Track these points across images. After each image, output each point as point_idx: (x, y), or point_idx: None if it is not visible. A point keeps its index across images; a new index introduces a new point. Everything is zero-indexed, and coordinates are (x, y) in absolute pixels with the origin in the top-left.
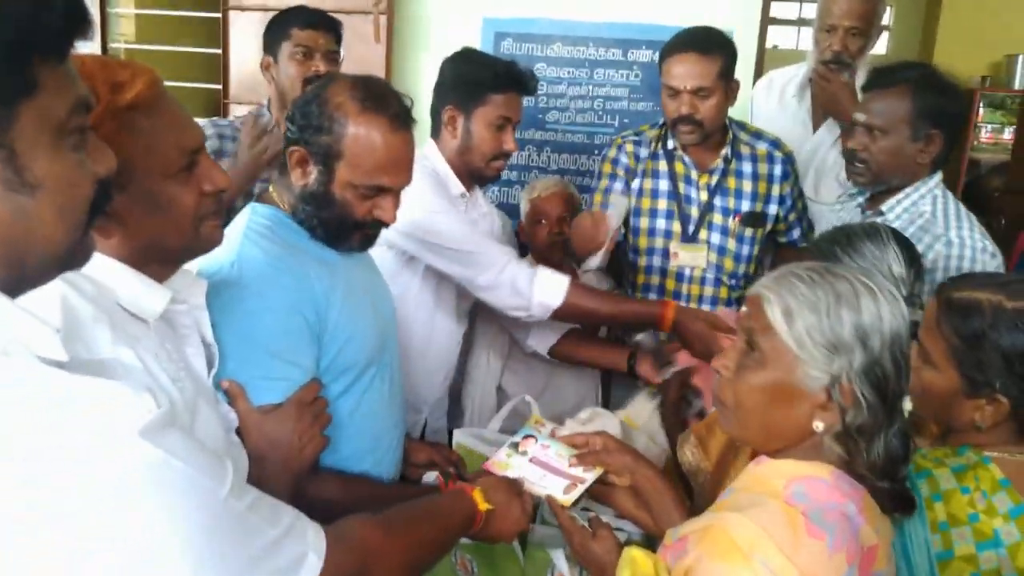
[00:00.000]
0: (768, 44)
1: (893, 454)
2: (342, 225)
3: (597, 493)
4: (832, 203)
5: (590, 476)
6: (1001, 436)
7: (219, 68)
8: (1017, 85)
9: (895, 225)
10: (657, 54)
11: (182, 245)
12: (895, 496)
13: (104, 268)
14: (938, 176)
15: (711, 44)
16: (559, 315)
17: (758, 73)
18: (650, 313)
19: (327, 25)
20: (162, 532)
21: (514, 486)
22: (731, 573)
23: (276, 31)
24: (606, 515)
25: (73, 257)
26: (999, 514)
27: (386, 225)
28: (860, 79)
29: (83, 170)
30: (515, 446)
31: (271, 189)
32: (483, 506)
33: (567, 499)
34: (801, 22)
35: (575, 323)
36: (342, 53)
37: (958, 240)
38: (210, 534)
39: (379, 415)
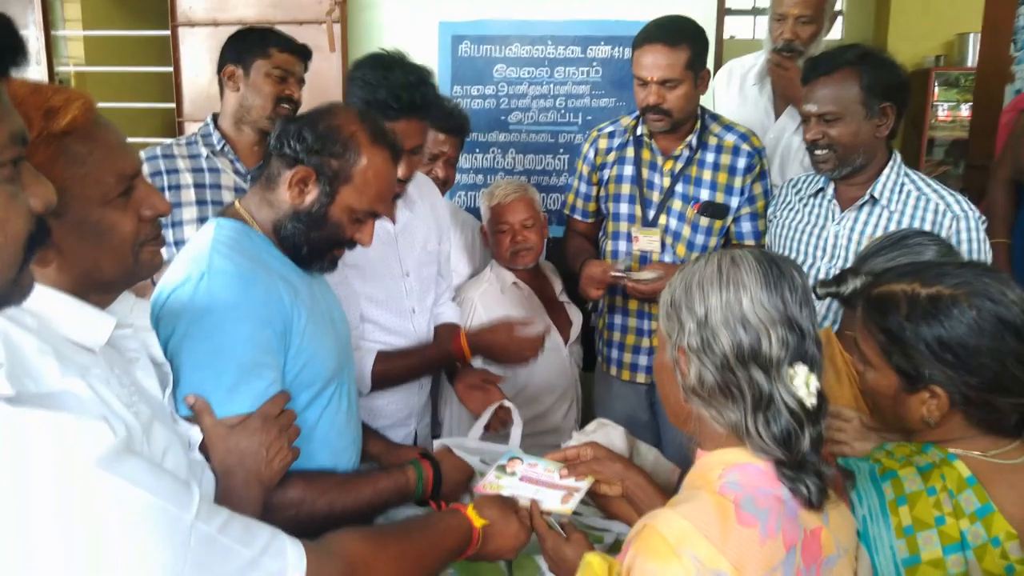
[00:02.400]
0: (725, 35)
1: (774, 432)
2: (327, 245)
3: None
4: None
5: (583, 485)
6: (957, 429)
7: (171, 86)
8: (970, 63)
9: (890, 209)
10: (616, 49)
11: (121, 272)
12: (795, 486)
13: (44, 299)
14: (897, 154)
15: (679, 35)
16: (377, 385)
17: (717, 63)
18: (447, 351)
19: (302, 52)
20: (128, 563)
21: (509, 502)
22: (662, 569)
23: (251, 45)
24: (592, 517)
25: (11, 294)
26: (966, 514)
27: (353, 247)
28: None
29: (17, 204)
30: (502, 468)
31: (237, 204)
32: (478, 522)
33: (567, 508)
34: (756, 11)
35: (392, 385)
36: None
37: (963, 213)
38: (179, 562)
39: (338, 432)
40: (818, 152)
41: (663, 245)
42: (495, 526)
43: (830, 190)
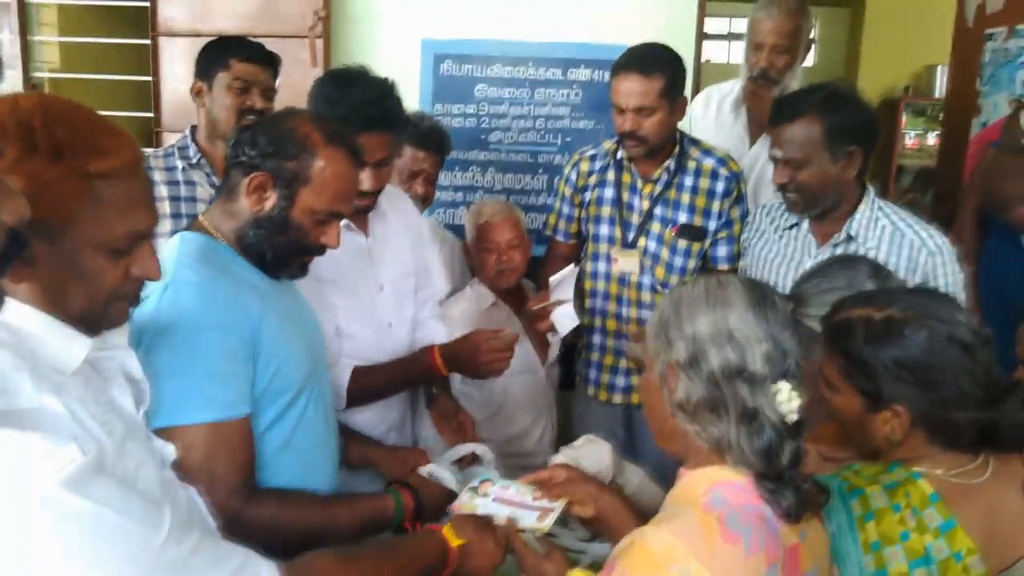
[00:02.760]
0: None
1: (757, 447)
2: (291, 250)
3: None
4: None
5: (557, 505)
6: (920, 447)
7: (150, 96)
8: (937, 93)
9: (871, 243)
10: (597, 72)
11: (83, 314)
12: (774, 501)
13: (22, 316)
14: (871, 189)
15: (653, 64)
16: (353, 401)
17: (695, 88)
18: (424, 366)
19: (267, 60)
20: None
21: (485, 521)
22: None
23: (213, 58)
24: (571, 539)
25: None
26: (929, 530)
27: (322, 252)
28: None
29: None
30: (475, 490)
31: (201, 218)
32: (455, 542)
33: (543, 526)
34: (731, 36)
35: (370, 401)
36: (278, 88)
37: (937, 248)
38: None
39: (313, 444)
40: (788, 195)
41: (642, 267)
42: (471, 545)
43: (805, 225)
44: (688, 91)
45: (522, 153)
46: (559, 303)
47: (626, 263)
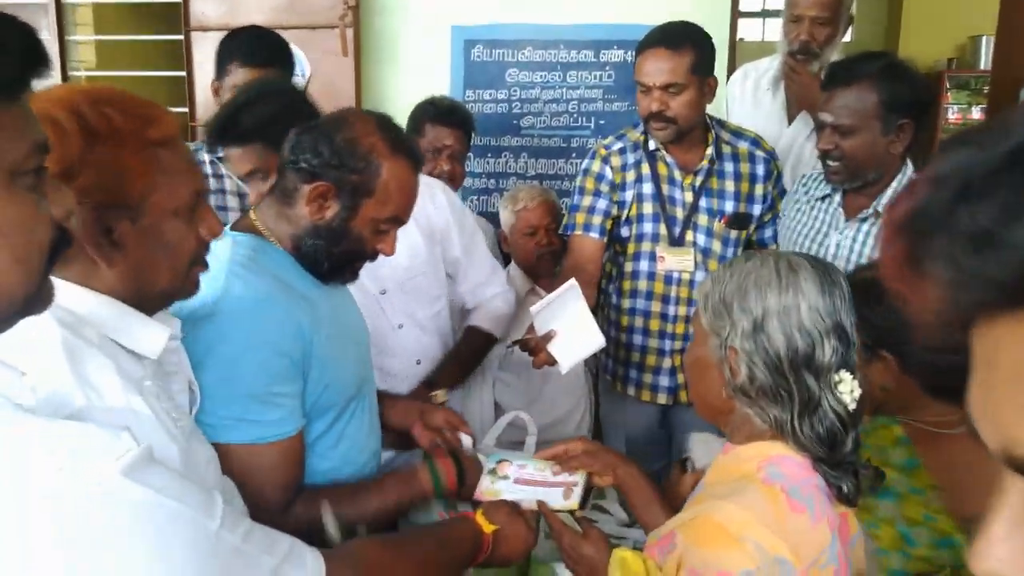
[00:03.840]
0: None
1: (816, 433)
2: (350, 259)
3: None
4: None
5: (579, 478)
6: (911, 396)
7: (184, 91)
8: (983, 65)
9: None
10: (629, 53)
11: (171, 287)
12: (830, 483)
13: (102, 306)
14: (911, 164)
15: (682, 39)
16: None
17: (730, 67)
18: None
19: (271, 58)
20: (156, 572)
21: (513, 506)
22: (724, 557)
23: (221, 59)
24: (611, 524)
25: (32, 304)
26: (893, 466)
27: (375, 258)
28: None
29: (40, 213)
30: (493, 472)
31: (252, 215)
32: (488, 528)
33: (571, 503)
34: (765, 13)
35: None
36: (307, 72)
37: None
38: (205, 570)
39: (359, 447)
40: (830, 163)
41: (695, 263)
42: (504, 531)
43: (837, 197)
44: (723, 70)
45: (555, 137)
46: (550, 337)
47: (675, 261)
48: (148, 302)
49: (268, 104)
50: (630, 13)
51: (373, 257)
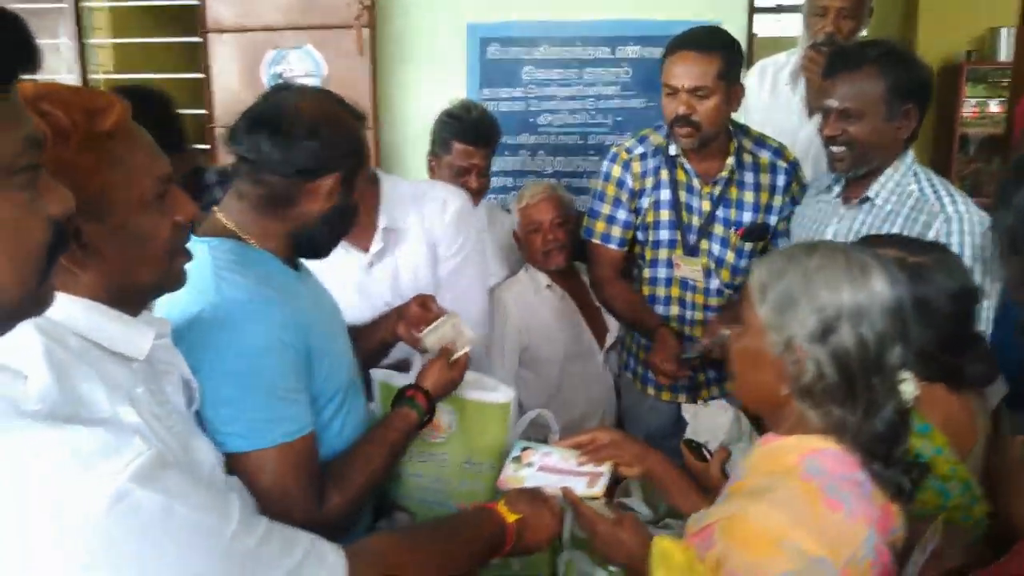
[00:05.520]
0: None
1: (877, 432)
2: (346, 229)
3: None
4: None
5: (605, 468)
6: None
7: (203, 93)
8: (1002, 57)
9: (886, 209)
10: (646, 49)
11: (154, 281)
12: (885, 480)
13: (82, 310)
14: (911, 152)
15: (711, 43)
16: None
17: (747, 61)
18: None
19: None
20: None
21: (536, 492)
22: (765, 564)
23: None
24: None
25: (30, 306)
26: (914, 433)
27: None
28: None
29: (35, 211)
30: (517, 460)
31: (218, 218)
32: (510, 517)
33: (596, 491)
34: (780, 8)
35: None
36: (323, 72)
37: (956, 215)
38: (225, 574)
39: (360, 428)
40: (835, 149)
41: (707, 272)
42: (527, 519)
43: (837, 188)
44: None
45: (572, 135)
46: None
47: (689, 270)
48: (133, 300)
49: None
50: (646, 9)
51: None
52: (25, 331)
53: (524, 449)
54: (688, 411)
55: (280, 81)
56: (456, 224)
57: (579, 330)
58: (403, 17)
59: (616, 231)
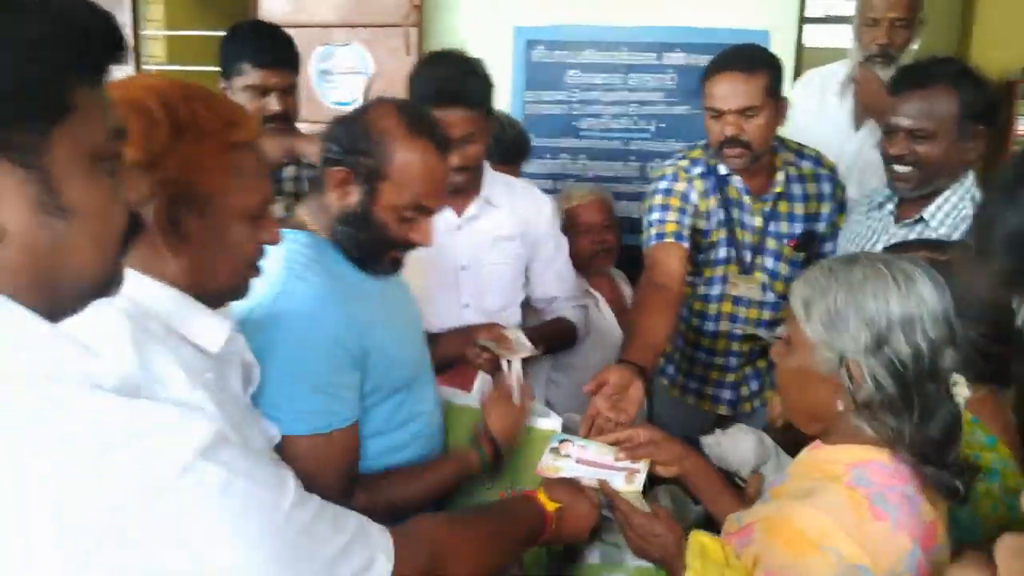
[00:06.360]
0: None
1: (931, 437)
2: (377, 247)
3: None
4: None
5: (642, 465)
6: None
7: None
8: None
9: (940, 232)
10: (692, 56)
11: (228, 286)
12: (939, 483)
13: (169, 298)
14: (972, 175)
15: (754, 61)
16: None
17: (796, 73)
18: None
19: (280, 61)
20: (232, 552)
21: (575, 484)
22: (802, 564)
23: (228, 58)
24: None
25: (105, 288)
26: (986, 447)
27: (413, 247)
28: None
29: (118, 198)
30: (555, 451)
31: (300, 212)
32: (550, 506)
33: (633, 488)
34: (828, 19)
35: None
36: (371, 71)
37: None
38: (280, 549)
39: (425, 421)
40: (900, 169)
41: (763, 288)
42: (567, 509)
43: (890, 205)
44: (789, 76)
45: (614, 140)
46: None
47: (746, 288)
48: (204, 298)
49: (476, 75)
50: (693, 16)
51: (409, 247)
52: (109, 312)
53: (562, 441)
54: (708, 442)
55: (327, 77)
56: (551, 223)
57: (613, 336)
58: (451, 18)
59: (684, 230)
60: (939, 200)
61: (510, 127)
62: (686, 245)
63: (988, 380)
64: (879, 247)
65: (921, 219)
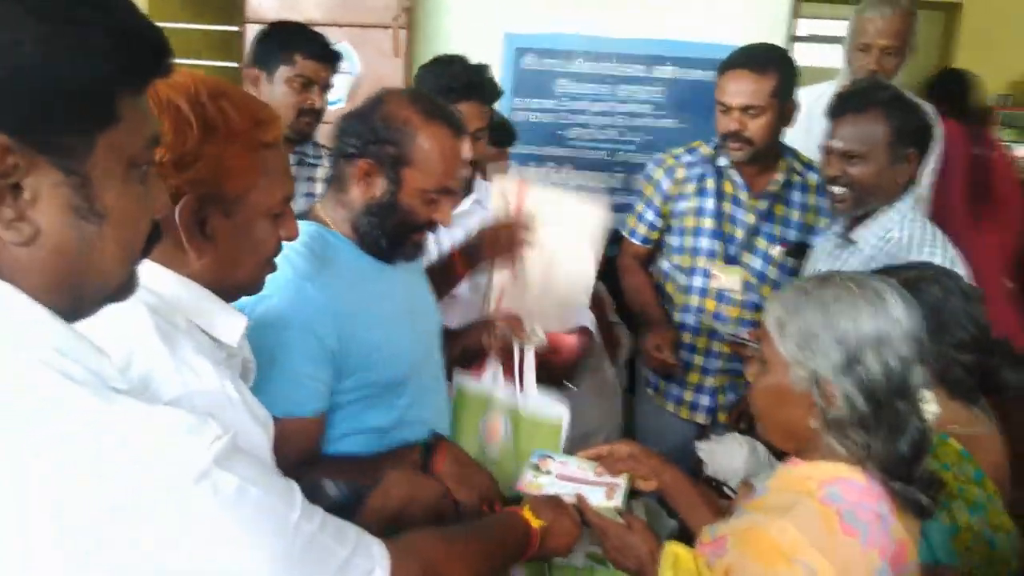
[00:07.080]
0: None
1: (900, 453)
2: (406, 232)
3: None
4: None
5: (622, 480)
6: (943, 405)
7: (239, 82)
8: None
9: (866, 253)
10: (681, 70)
11: (246, 281)
12: (907, 498)
13: (188, 290)
14: (910, 198)
15: (766, 62)
16: None
17: None
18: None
19: (331, 58)
20: (242, 561)
21: (558, 500)
22: (771, 574)
23: (276, 49)
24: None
25: (121, 292)
26: (973, 481)
27: (434, 229)
28: None
29: (146, 206)
30: (535, 467)
31: (318, 207)
32: (535, 523)
33: (613, 503)
34: (817, 38)
35: None
36: (356, 71)
37: (920, 258)
38: (288, 560)
39: (425, 423)
40: (836, 190)
41: (746, 285)
42: (550, 526)
43: (837, 226)
44: None
45: (600, 150)
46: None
47: (727, 280)
48: (222, 294)
49: (490, 74)
50: (685, 30)
51: (431, 228)
52: (135, 309)
53: (542, 457)
54: (703, 449)
55: None
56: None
57: (593, 344)
58: (441, 21)
59: (642, 229)
60: (868, 222)
61: (495, 112)
62: (636, 241)
63: (976, 393)
64: (821, 266)
65: (849, 240)
